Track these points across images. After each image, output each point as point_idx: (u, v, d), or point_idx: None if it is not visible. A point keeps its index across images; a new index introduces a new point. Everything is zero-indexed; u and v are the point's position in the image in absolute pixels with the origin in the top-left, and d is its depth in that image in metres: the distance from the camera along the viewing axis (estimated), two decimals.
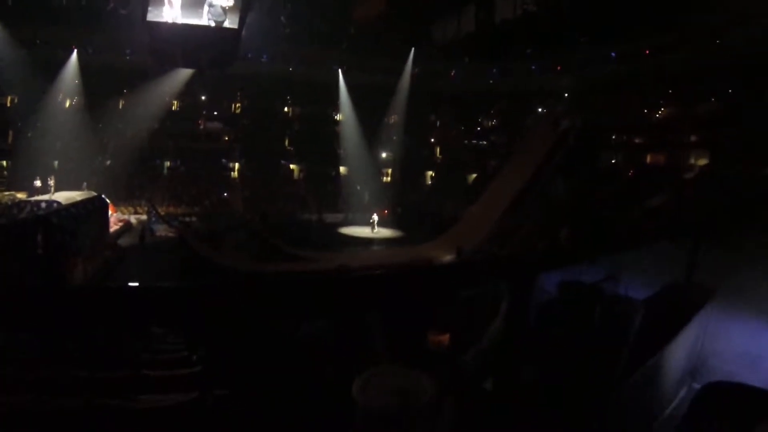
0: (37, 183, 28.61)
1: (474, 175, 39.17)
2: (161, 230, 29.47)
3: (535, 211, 26.94)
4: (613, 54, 34.13)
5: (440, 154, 45.34)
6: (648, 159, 34.00)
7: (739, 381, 3.43)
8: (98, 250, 21.82)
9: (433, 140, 46.10)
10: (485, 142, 43.20)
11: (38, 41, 34.62)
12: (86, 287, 15.15)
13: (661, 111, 34.53)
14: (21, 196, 28.43)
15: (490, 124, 44.02)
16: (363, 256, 27.76)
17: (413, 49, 37.82)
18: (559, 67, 36.95)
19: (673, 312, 5.40)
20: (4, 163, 35.28)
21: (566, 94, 37.64)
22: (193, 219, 34.83)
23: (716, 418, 3.15)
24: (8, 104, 36.08)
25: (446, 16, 30.38)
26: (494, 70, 39.90)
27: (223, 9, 28.24)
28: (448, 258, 23.42)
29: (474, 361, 4.60)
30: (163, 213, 33.54)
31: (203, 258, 22.22)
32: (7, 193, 30.27)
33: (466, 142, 44.25)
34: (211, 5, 28.15)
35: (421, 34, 33.69)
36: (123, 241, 26.71)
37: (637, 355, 4.38)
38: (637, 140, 35.09)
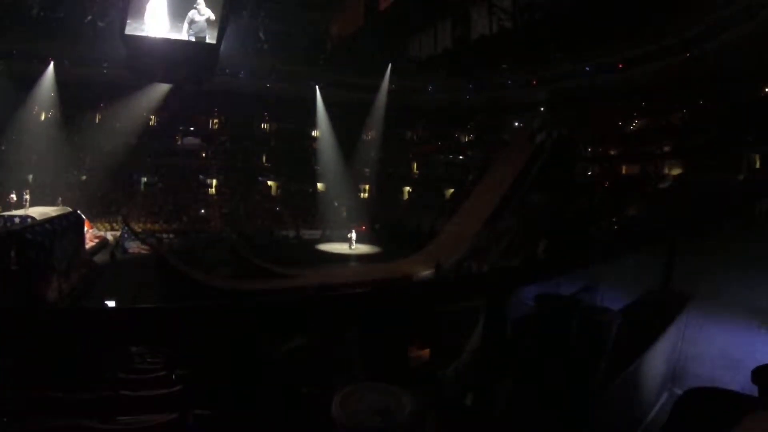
0: (13, 197, 28.08)
1: (452, 190, 39.22)
2: (134, 247, 29.16)
3: (512, 224, 27.17)
4: (587, 68, 34.57)
5: (417, 169, 45.54)
6: (623, 170, 34.52)
7: (720, 384, 3.47)
8: (73, 267, 21.47)
9: (410, 156, 46.37)
10: (462, 157, 43.59)
11: (14, 52, 34.34)
12: (62, 308, 14.95)
13: (635, 122, 35.10)
14: None
15: (467, 138, 44.42)
16: (340, 272, 27.68)
17: (390, 65, 37.97)
18: (534, 82, 37.41)
19: (650, 319, 5.46)
20: None
21: (542, 108, 38.09)
22: (171, 236, 34.59)
23: (697, 423, 3.18)
24: None
25: (423, 32, 30.63)
26: (471, 86, 40.23)
27: (207, 23, 28.49)
28: (426, 273, 23.52)
29: (454, 377, 4.60)
30: (140, 229, 33.26)
31: (181, 275, 22.03)
32: None
33: (443, 157, 44.65)
34: (193, 21, 28.39)
35: (398, 50, 33.92)
36: (99, 258, 26.38)
37: (616, 363, 4.42)
38: (611, 151, 35.64)
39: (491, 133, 41.55)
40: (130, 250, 28.89)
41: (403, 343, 5.29)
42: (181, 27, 28.57)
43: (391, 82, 39.42)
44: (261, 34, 34.36)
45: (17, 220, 21.11)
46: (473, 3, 26.32)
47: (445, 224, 30.90)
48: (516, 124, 40.08)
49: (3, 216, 22.46)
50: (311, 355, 5.22)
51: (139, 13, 27.71)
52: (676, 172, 30.51)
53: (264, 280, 22.66)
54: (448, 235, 29.31)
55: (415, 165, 45.87)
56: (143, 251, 28.57)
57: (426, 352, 5.28)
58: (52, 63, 36.01)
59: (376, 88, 40.05)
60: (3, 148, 35.14)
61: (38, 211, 23.45)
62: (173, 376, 5.78)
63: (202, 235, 34.68)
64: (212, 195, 42.67)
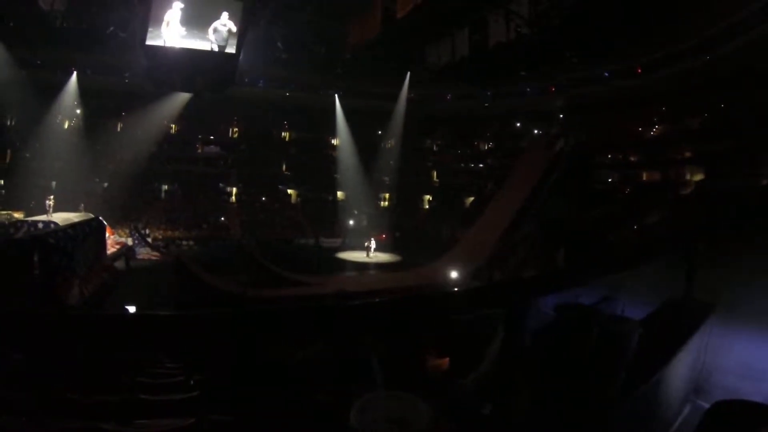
0: (48, 202, 28.68)
1: (471, 199, 39.17)
2: (143, 253, 29.84)
3: (530, 233, 27.00)
4: (605, 74, 34.13)
5: (437, 178, 45.36)
6: (643, 176, 33.99)
7: (744, 396, 3.40)
8: (95, 272, 21.78)
9: (429, 164, 46.20)
10: (481, 165, 43.33)
11: (38, 62, 34.77)
12: (82, 311, 15.14)
13: (655, 128, 34.57)
14: (18, 215, 28.53)
15: (485, 146, 44.15)
16: (359, 280, 27.87)
17: (408, 73, 37.92)
18: (552, 88, 37.05)
19: (672, 330, 5.37)
20: (2, 182, 35.36)
21: (560, 115, 37.74)
22: (191, 243, 34.87)
23: None
24: (7, 124, 36.17)
25: (440, 40, 30.63)
26: (489, 93, 39.84)
27: (229, 33, 28.80)
28: (445, 282, 23.45)
29: (472, 386, 4.56)
30: (160, 236, 33.71)
31: (200, 281, 22.21)
32: (4, 212, 30.33)
33: (462, 165, 44.38)
34: (216, 30, 28.72)
35: (416, 58, 33.94)
36: (119, 264, 26.67)
37: (637, 375, 4.35)
38: (631, 158, 35.08)
39: (510, 141, 41.29)
40: (140, 257, 29.40)
41: (420, 351, 5.26)
42: (200, 37, 28.91)
43: (409, 90, 39.31)
44: (279, 44, 34.56)
45: (40, 225, 21.41)
46: (490, 10, 26.27)
47: (464, 233, 30.82)
48: (534, 131, 39.71)
49: (26, 221, 22.83)
50: (329, 362, 5.21)
51: (159, 23, 28.08)
52: (697, 178, 29.90)
53: (282, 287, 22.74)
54: (468, 243, 29.25)
55: (434, 173, 45.65)
56: (153, 257, 29.29)
57: (444, 361, 5.23)
58: (75, 72, 36.48)
59: (395, 96, 40.02)
60: (27, 155, 35.85)
61: (61, 217, 23.78)
62: (190, 381, 5.79)
63: (222, 243, 34.95)
64: (232, 203, 42.98)
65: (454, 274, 24.08)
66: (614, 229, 25.32)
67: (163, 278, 24.72)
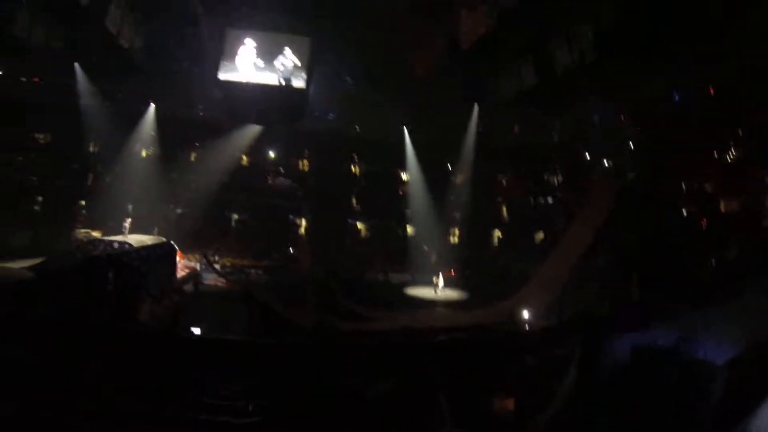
0: (126, 224, 31.06)
1: (541, 233, 38.33)
2: (210, 279, 30.51)
3: (604, 267, 26.08)
4: (676, 91, 32.04)
5: (507, 212, 44.49)
6: (722, 203, 31.91)
7: None
8: (165, 294, 22.41)
9: (500, 198, 45.23)
10: (552, 198, 41.84)
11: (119, 94, 36.79)
12: (153, 330, 15.59)
13: (734, 150, 32.32)
14: (96, 234, 30.25)
15: (556, 178, 42.80)
16: (427, 317, 27.64)
17: (476, 105, 37.59)
18: (622, 112, 35.33)
19: (760, 374, 5.00)
20: (83, 202, 37.19)
21: (631, 140, 35.72)
22: (260, 272, 35.43)
23: None
24: (90, 150, 38.23)
25: (506, 70, 30.49)
26: (557, 122, 38.86)
27: (294, 67, 29.65)
28: (515, 320, 22.95)
29: (542, 428, 4.36)
30: (229, 263, 34.47)
31: (269, 311, 22.57)
32: (83, 230, 32.82)
33: (532, 199, 43.06)
34: (282, 65, 29.63)
35: (483, 89, 33.78)
36: (188, 287, 27.37)
37: (721, 424, 4.05)
38: (709, 183, 32.88)
39: (580, 171, 39.91)
40: (207, 282, 30.03)
41: (488, 390, 5.09)
42: (272, 71, 29.84)
43: (478, 122, 39.01)
44: (348, 78, 35.21)
45: (116, 245, 22.23)
46: (553, 35, 26.02)
47: (535, 269, 30.11)
48: (605, 158, 37.86)
49: (103, 240, 23.81)
50: (396, 399, 5.10)
51: (232, 58, 29.18)
52: None
53: (349, 321, 22.76)
54: (539, 280, 28.52)
55: (504, 208, 44.70)
56: (220, 284, 30.03)
57: (511, 400, 5.05)
58: (152, 105, 38.51)
59: (464, 129, 39.74)
60: (107, 179, 37.95)
61: (135, 239, 24.69)
62: (252, 407, 5.78)
63: (291, 274, 35.34)
64: (302, 235, 43.35)
65: (525, 313, 23.54)
66: (693, 261, 24.10)
67: (230, 305, 25.17)
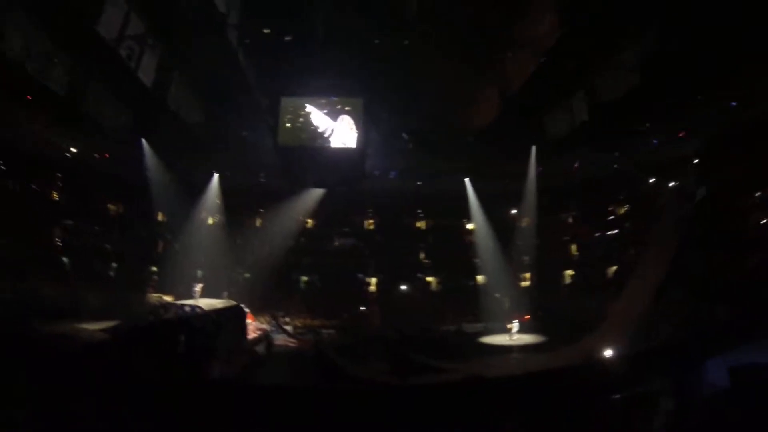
0: (197, 289, 32.44)
1: (614, 268, 36.84)
2: (280, 339, 30.79)
3: (683, 294, 24.60)
4: (732, 104, 30.14)
5: (576, 251, 43.05)
6: None
7: None
8: (236, 355, 22.49)
9: (567, 238, 43.83)
10: (620, 231, 40.10)
11: (182, 166, 38.57)
12: (224, 387, 15.47)
13: None
14: (167, 298, 31.14)
15: (622, 210, 41.14)
16: (502, 364, 27.00)
17: (533, 148, 37.18)
18: (681, 134, 33.90)
19: None
20: (155, 269, 38.81)
21: (695, 160, 33.96)
22: (330, 331, 35.32)
23: None
24: (158, 219, 40.45)
25: (558, 109, 30.12)
26: (616, 154, 37.48)
27: (350, 128, 30.12)
28: (596, 360, 21.81)
29: None
30: (299, 324, 34.60)
31: (341, 370, 22.35)
32: (155, 295, 34.14)
33: (599, 234, 41.60)
34: (337, 130, 30.17)
35: (538, 131, 33.44)
36: (259, 349, 27.45)
37: None
38: None
39: (646, 199, 38.32)
40: (277, 342, 30.20)
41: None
42: (329, 134, 30.37)
43: (537, 165, 38.42)
44: (404, 135, 35.50)
45: (187, 308, 22.70)
46: (599, 68, 25.58)
47: (611, 305, 28.80)
48: (670, 183, 36.05)
49: (175, 304, 24.43)
50: None
51: (289, 125, 29.94)
52: None
53: (423, 375, 22.18)
54: (616, 316, 27.26)
55: (573, 247, 43.28)
56: (290, 344, 30.37)
57: None
58: (215, 174, 40.48)
59: (524, 173, 39.27)
60: (176, 246, 39.81)
61: (206, 303, 25.28)
62: None
63: (361, 332, 35.10)
64: (371, 292, 43.28)
65: (605, 351, 22.35)
66: None
67: (302, 364, 25.07)
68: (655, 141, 34.39)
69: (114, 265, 37.59)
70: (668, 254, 27.42)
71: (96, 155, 36.79)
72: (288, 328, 33.58)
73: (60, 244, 34.47)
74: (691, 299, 23.70)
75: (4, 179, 31.26)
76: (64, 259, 32.79)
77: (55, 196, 36.35)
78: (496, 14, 25.57)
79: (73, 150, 35.11)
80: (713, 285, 23.35)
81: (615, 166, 38.42)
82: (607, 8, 22.02)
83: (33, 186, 34.34)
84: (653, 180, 36.96)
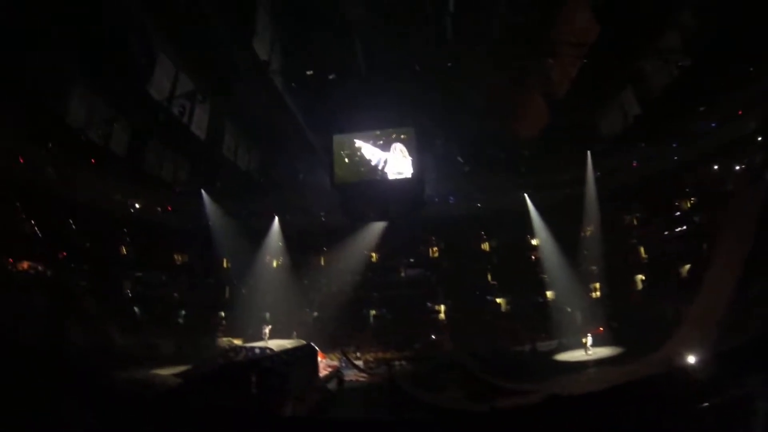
0: (266, 331, 33.23)
1: (688, 266, 35.02)
2: (351, 375, 30.54)
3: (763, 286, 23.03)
4: None
5: (646, 253, 41.19)
6: None
7: None
8: (308, 393, 22.57)
9: (634, 241, 41.83)
10: (689, 226, 37.62)
11: (245, 212, 40.07)
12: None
13: None
14: (237, 342, 31.72)
15: (688, 203, 39.09)
16: (580, 380, 25.98)
17: (588, 152, 36.52)
18: (740, 111, 31.52)
19: None
20: (223, 313, 40.09)
21: (759, 137, 31.65)
22: (403, 363, 35.03)
23: None
24: (224, 266, 41.69)
25: (608, 106, 29.39)
26: (674, 144, 35.90)
27: (405, 157, 30.15)
28: (680, 366, 20.77)
29: None
30: (372, 358, 34.48)
31: (417, 400, 22.16)
32: (225, 339, 35.34)
33: (667, 232, 39.22)
34: (395, 157, 30.21)
35: (591, 134, 32.74)
36: (331, 386, 27.45)
37: None
38: None
39: (714, 188, 35.98)
40: (349, 378, 29.93)
41: None
42: (384, 167, 30.37)
43: (594, 168, 37.49)
44: (459, 158, 35.39)
45: (257, 350, 23.04)
46: (644, 59, 24.83)
47: (690, 307, 27.43)
48: (737, 167, 33.62)
49: (245, 347, 24.86)
50: None
51: (344, 161, 30.10)
52: None
53: (501, 398, 21.70)
54: (695, 317, 25.94)
55: (642, 249, 41.23)
56: (361, 378, 30.11)
57: None
58: (276, 218, 41.67)
59: (582, 180, 38.46)
60: (243, 291, 40.90)
61: (276, 344, 25.68)
62: None
63: (435, 359, 34.68)
64: (441, 320, 42.84)
65: (689, 356, 21.26)
66: None
67: (375, 397, 24.93)
68: (713, 124, 32.87)
69: (183, 312, 39.05)
70: (746, 244, 25.72)
71: (159, 209, 38.93)
72: (359, 362, 33.42)
73: (131, 295, 36.36)
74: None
75: (76, 238, 32.90)
76: (136, 309, 34.24)
77: (124, 250, 38.38)
78: (532, 21, 25.32)
79: (137, 206, 37.26)
80: None
81: (675, 157, 36.83)
82: None
83: (102, 242, 36.06)
84: (718, 166, 34.90)
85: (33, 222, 29.85)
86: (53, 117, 24.59)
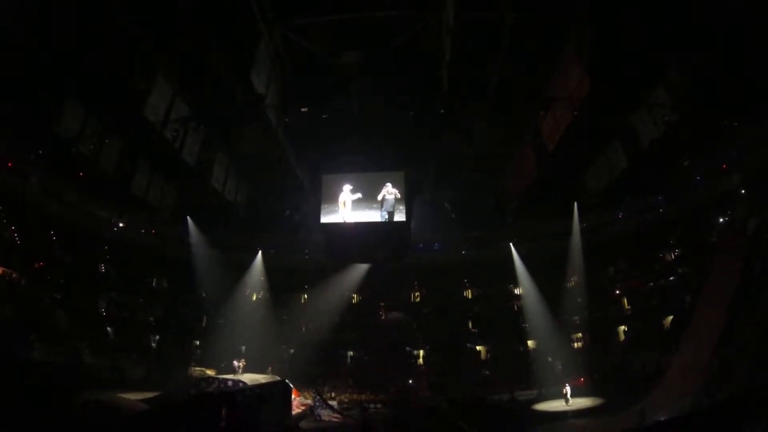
0: (237, 364, 32.89)
1: (670, 318, 34.98)
2: (325, 415, 30.04)
3: (750, 338, 22.96)
4: None
5: (629, 304, 41.08)
6: None
7: None
8: (280, 430, 22.11)
9: (618, 292, 42.09)
10: (673, 278, 38.02)
11: (228, 245, 40.26)
12: None
13: None
14: (210, 372, 31.28)
15: (672, 256, 39.52)
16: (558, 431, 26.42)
17: (575, 204, 36.99)
18: (724, 165, 32.76)
19: None
20: (198, 342, 40.08)
21: (742, 191, 32.05)
22: (378, 406, 34.64)
23: None
24: (203, 295, 41.40)
25: (596, 160, 29.80)
26: (660, 198, 37.09)
27: (395, 200, 30.26)
28: (661, 419, 20.62)
29: None
30: (346, 399, 34.06)
31: None
32: (198, 368, 35.18)
33: (652, 284, 39.50)
34: (384, 200, 30.33)
35: (577, 187, 33.11)
36: (304, 424, 27.04)
37: None
38: None
39: (697, 241, 36.14)
40: (323, 418, 29.65)
41: None
42: (370, 208, 30.39)
43: (580, 221, 38.00)
44: (447, 204, 35.62)
45: (230, 383, 22.59)
46: (633, 113, 25.34)
47: (671, 359, 27.50)
48: (720, 219, 34.68)
49: (218, 378, 24.37)
50: None
51: (332, 201, 30.14)
52: None
53: None
54: (677, 370, 25.90)
55: (625, 301, 41.31)
56: (334, 419, 29.58)
57: None
58: (260, 252, 41.99)
59: (568, 231, 38.92)
60: (221, 321, 40.68)
61: (249, 377, 25.28)
62: None
63: (411, 405, 34.31)
64: (419, 365, 42.65)
65: (668, 411, 21.13)
66: None
67: None
68: (698, 178, 34.02)
69: (156, 337, 38.74)
70: (728, 296, 25.90)
71: (142, 231, 39.31)
72: (333, 403, 32.89)
73: (104, 314, 35.99)
74: (760, 342, 22.10)
75: (54, 249, 32.70)
76: (108, 329, 33.77)
77: (102, 268, 38.32)
78: (526, 75, 25.75)
79: (121, 225, 37.73)
80: None
81: (660, 210, 37.75)
82: (633, 52, 22.12)
83: (81, 257, 36.04)
84: (701, 219, 35.37)
85: (12, 227, 29.88)
86: (44, 127, 24.73)
